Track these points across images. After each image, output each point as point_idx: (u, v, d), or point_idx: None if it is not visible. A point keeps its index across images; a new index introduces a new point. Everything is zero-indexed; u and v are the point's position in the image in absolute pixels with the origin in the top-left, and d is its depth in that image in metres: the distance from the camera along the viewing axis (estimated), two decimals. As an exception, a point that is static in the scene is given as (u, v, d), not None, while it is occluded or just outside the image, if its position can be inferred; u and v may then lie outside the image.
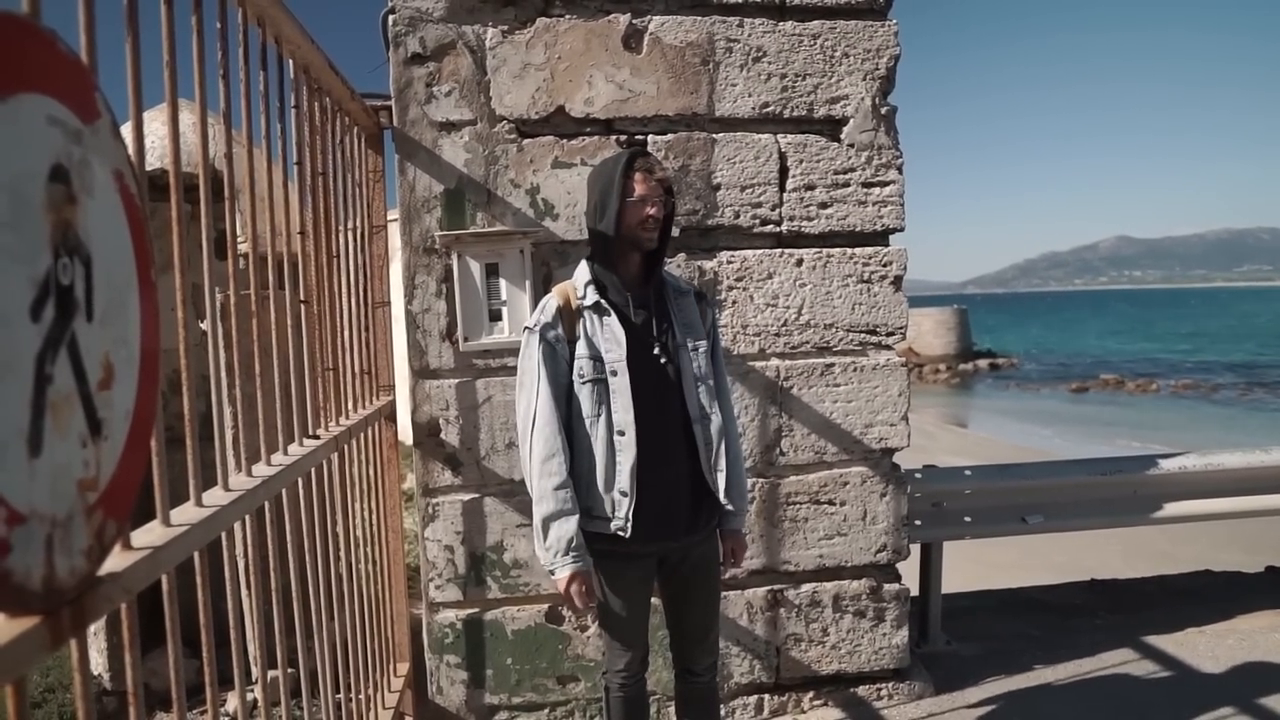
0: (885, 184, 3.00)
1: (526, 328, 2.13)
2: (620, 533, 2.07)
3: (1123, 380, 35.18)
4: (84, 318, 0.78)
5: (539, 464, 2.05)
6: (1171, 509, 3.75)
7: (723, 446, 2.17)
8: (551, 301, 2.12)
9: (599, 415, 2.07)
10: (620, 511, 2.07)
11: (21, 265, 0.69)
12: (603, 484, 2.08)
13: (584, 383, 2.06)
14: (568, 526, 2.03)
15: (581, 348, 2.07)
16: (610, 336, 2.06)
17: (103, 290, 0.81)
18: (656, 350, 2.09)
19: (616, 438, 2.06)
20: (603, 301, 2.08)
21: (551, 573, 2.06)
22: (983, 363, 39.87)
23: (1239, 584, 4.34)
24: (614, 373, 2.05)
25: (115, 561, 0.93)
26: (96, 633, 3.24)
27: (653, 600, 2.31)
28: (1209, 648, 3.51)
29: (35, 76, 0.71)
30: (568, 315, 2.09)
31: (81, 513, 0.77)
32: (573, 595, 2.03)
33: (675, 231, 2.87)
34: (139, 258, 0.90)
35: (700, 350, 2.14)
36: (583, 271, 2.14)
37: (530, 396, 2.08)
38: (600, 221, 2.08)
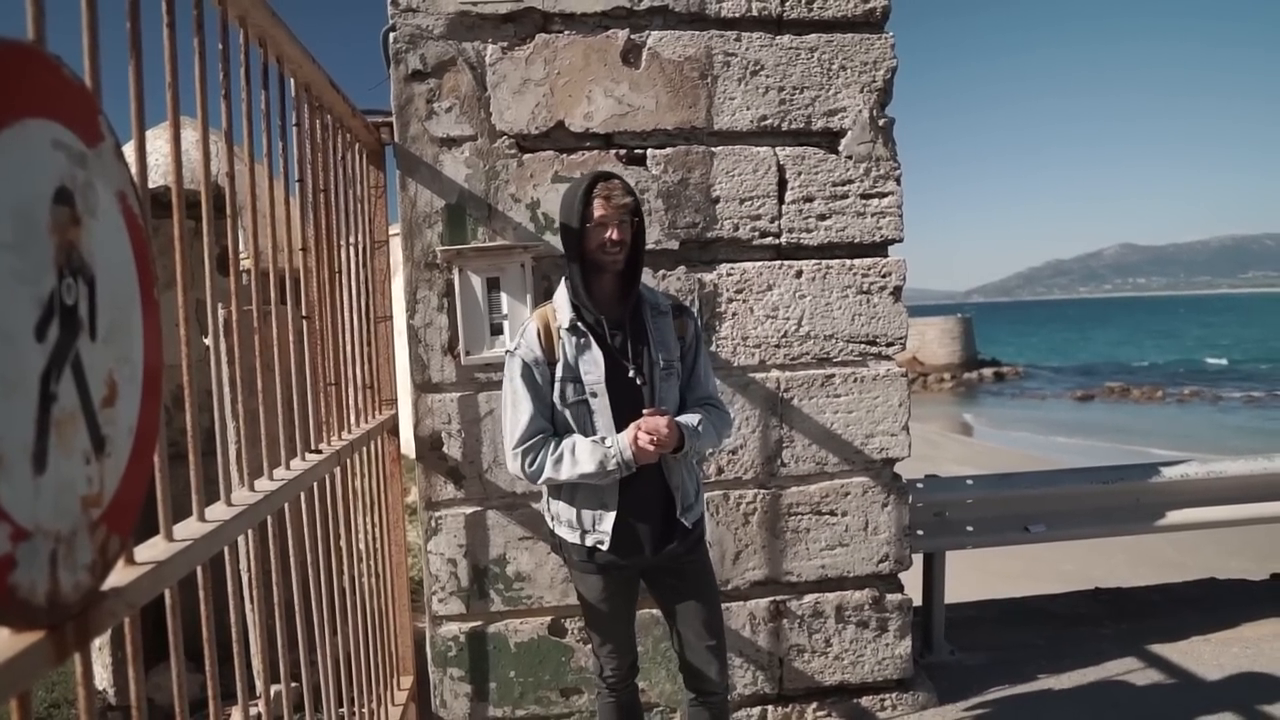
0: (884, 195, 3.01)
1: (508, 351, 2.17)
2: (599, 545, 2.12)
3: (1128, 388, 35.13)
4: (88, 336, 0.79)
5: (551, 466, 2.07)
6: (1174, 517, 3.74)
7: (692, 466, 2.21)
8: (531, 325, 2.15)
9: (584, 433, 2.11)
10: (603, 525, 2.11)
11: (27, 286, 0.70)
12: (585, 498, 2.13)
13: (566, 405, 2.10)
14: (583, 445, 2.06)
15: (561, 370, 2.10)
16: (589, 359, 2.09)
17: (106, 309, 0.83)
18: (632, 373, 2.11)
19: None
20: (580, 324, 2.10)
21: (624, 459, 2.02)
22: (987, 371, 39.84)
23: (1244, 592, 4.32)
24: (594, 394, 2.09)
25: (118, 576, 0.95)
26: (101, 648, 3.25)
27: (652, 612, 2.32)
28: (1214, 656, 3.50)
29: (40, 102, 0.73)
30: (547, 338, 2.12)
31: (85, 528, 0.78)
32: (647, 437, 2.00)
33: (675, 245, 2.89)
34: (141, 277, 0.91)
35: (674, 371, 2.17)
36: (562, 293, 2.16)
37: (516, 416, 2.12)
38: (567, 245, 2.12)
